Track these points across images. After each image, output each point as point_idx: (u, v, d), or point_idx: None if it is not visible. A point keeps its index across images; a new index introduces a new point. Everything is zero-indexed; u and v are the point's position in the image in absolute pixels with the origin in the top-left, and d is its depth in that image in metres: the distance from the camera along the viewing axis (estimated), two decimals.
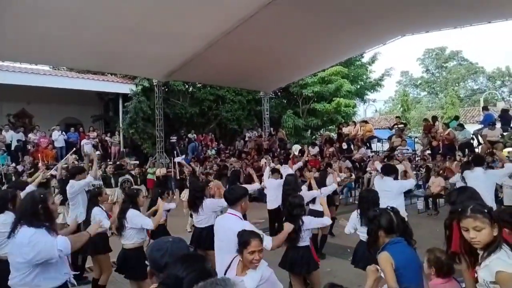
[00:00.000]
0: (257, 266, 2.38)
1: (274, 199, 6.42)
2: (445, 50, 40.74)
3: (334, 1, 8.93)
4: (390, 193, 4.77)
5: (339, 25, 10.37)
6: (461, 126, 11.92)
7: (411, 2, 9.29)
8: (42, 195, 2.65)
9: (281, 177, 6.47)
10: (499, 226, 1.93)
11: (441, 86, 39.95)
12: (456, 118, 13.87)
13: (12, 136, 13.72)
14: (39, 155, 12.96)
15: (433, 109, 34.57)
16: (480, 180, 5.14)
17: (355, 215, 3.93)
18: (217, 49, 10.85)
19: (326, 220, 3.95)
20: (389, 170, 5.34)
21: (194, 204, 4.79)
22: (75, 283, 2.81)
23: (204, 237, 4.47)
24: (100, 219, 3.77)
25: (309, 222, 3.80)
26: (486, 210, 1.96)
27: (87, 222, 4.33)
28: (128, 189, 4.48)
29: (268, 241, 3.00)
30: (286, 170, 7.33)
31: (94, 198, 4.47)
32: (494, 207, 3.05)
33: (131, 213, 3.90)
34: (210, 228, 3.68)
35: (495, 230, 1.91)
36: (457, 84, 39.24)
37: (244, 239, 2.45)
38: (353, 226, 3.96)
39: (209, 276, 1.34)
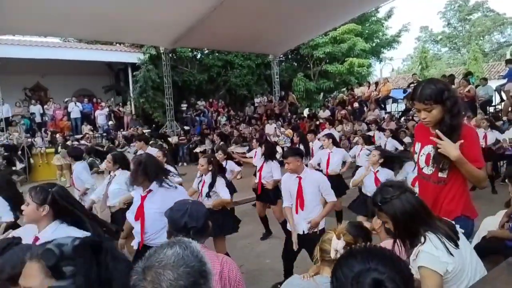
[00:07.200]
0: None
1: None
2: (468, 1, 37.92)
3: None
4: None
5: None
6: (485, 80, 11.31)
7: None
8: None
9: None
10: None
11: (464, 40, 37.66)
12: (468, 74, 12.96)
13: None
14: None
15: (454, 65, 32.92)
16: None
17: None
18: (222, 12, 10.48)
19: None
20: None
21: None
22: None
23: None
24: None
25: None
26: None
27: None
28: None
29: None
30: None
31: None
32: None
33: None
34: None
35: None
36: (481, 38, 36.87)
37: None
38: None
39: None
